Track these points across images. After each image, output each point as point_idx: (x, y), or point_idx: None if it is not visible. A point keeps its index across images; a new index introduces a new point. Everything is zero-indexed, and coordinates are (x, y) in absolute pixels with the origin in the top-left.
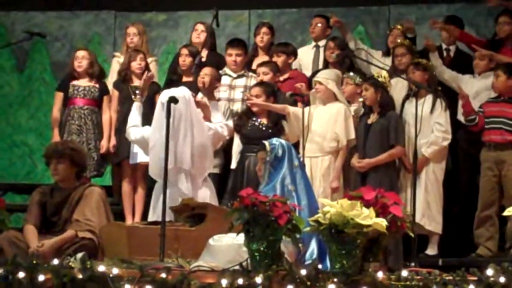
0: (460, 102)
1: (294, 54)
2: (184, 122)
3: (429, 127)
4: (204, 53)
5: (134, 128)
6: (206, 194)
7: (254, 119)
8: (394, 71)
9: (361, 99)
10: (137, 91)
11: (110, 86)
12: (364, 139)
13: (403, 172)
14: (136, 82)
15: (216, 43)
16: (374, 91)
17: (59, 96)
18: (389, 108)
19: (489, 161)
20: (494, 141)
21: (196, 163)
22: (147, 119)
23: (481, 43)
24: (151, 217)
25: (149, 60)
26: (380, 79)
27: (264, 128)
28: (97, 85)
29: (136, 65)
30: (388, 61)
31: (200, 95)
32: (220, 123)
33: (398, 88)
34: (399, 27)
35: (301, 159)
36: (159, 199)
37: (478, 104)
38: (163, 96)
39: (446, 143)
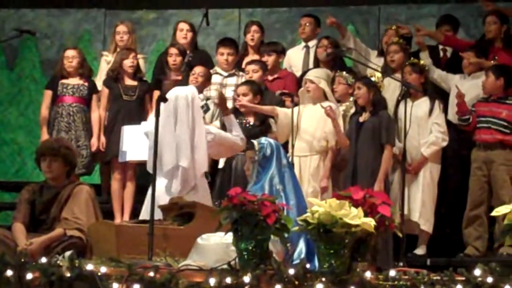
0: (452, 102)
1: (283, 52)
2: (186, 121)
3: (427, 128)
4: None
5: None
6: (199, 194)
7: (241, 118)
8: (385, 71)
9: (351, 98)
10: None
11: (98, 84)
12: (356, 137)
13: (399, 171)
14: (128, 81)
15: (205, 42)
16: (367, 91)
17: (48, 94)
18: (381, 108)
19: (478, 160)
20: (484, 140)
21: (193, 162)
22: (138, 119)
23: (468, 45)
24: (143, 216)
25: (138, 57)
26: (373, 79)
27: (251, 127)
28: (86, 84)
29: (128, 63)
30: (382, 62)
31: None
32: (238, 135)
33: (391, 88)
34: (393, 27)
35: (290, 158)
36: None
37: (468, 104)
38: (171, 94)
39: (445, 143)
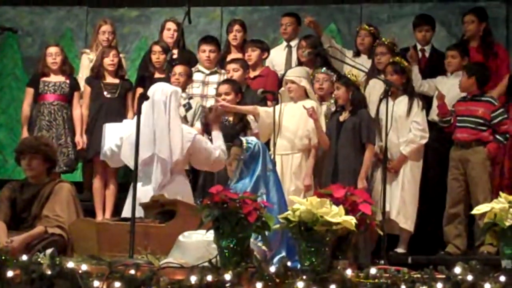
0: (435, 103)
1: (268, 51)
2: (163, 112)
3: (406, 127)
4: (175, 52)
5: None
6: (179, 190)
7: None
8: (373, 71)
9: (333, 95)
10: None
11: (80, 82)
12: (336, 136)
13: (381, 169)
14: (109, 79)
15: (188, 40)
16: (345, 90)
17: (30, 92)
18: (360, 107)
19: (455, 159)
20: (461, 139)
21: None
22: (119, 117)
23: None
24: (125, 214)
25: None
26: (351, 78)
27: (230, 125)
28: (67, 81)
29: (109, 61)
30: (358, 61)
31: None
32: (219, 146)
33: (377, 88)
34: (366, 27)
35: (272, 156)
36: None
37: (450, 103)
38: (153, 88)
39: (424, 141)
